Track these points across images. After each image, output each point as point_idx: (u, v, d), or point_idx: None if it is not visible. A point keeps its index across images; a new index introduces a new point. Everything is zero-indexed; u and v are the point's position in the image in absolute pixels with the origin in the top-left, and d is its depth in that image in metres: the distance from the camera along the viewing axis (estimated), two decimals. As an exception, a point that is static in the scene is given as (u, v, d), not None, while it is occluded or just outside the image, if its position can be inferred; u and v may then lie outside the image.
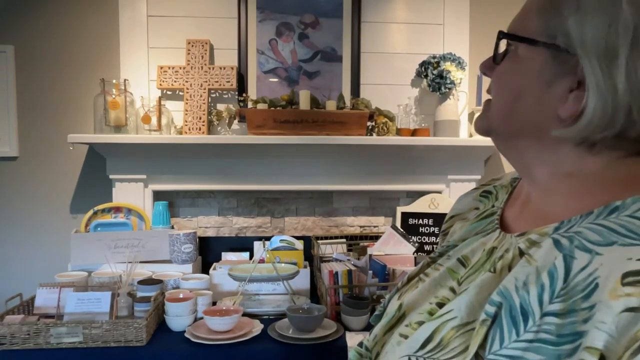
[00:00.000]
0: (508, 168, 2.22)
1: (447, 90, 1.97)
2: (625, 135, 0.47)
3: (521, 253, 0.50)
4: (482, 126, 0.59)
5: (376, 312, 0.68)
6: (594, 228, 0.45)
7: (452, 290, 0.55)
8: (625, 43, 0.44)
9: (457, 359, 0.47)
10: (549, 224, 0.50)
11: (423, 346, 0.51)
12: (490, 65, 0.57)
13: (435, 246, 2.01)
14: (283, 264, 1.75)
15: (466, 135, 2.14)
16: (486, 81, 2.31)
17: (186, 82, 1.98)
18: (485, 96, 0.60)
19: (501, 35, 0.54)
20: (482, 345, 0.45)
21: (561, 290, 0.43)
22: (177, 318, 1.47)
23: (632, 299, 0.37)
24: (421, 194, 2.09)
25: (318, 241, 1.95)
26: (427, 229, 2.04)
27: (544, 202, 0.55)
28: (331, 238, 2.04)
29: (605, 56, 0.45)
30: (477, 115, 0.63)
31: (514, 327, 0.44)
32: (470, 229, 0.64)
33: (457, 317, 0.50)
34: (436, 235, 2.03)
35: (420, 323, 0.54)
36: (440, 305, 0.54)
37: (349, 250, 1.97)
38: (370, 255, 1.71)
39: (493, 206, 0.65)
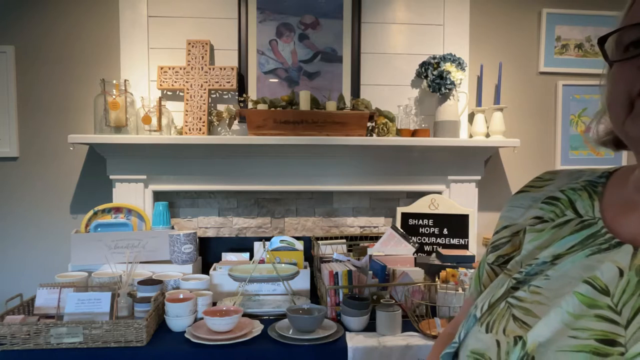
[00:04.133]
0: (509, 169, 2.22)
1: (447, 90, 1.97)
2: None
3: None
4: None
5: (448, 350, 0.58)
6: None
7: (612, 321, 0.46)
8: None
9: None
10: None
11: None
12: None
13: (435, 247, 2.01)
14: (283, 265, 1.75)
15: (466, 135, 2.14)
16: (487, 81, 2.29)
17: (186, 82, 1.98)
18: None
19: None
20: None
21: None
22: (177, 318, 1.47)
23: None
24: (421, 194, 2.09)
25: (318, 242, 1.95)
26: (427, 230, 2.04)
27: None
28: (331, 238, 2.04)
29: None
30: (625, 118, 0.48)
31: None
32: (563, 243, 0.55)
33: None
34: (436, 236, 2.03)
35: None
36: (607, 342, 0.45)
37: (349, 250, 1.97)
38: (370, 256, 1.71)
39: (580, 215, 0.57)
